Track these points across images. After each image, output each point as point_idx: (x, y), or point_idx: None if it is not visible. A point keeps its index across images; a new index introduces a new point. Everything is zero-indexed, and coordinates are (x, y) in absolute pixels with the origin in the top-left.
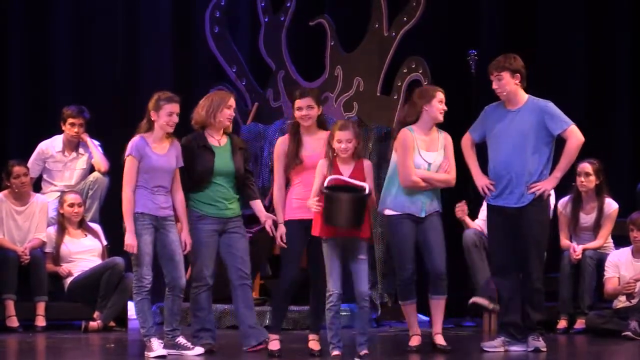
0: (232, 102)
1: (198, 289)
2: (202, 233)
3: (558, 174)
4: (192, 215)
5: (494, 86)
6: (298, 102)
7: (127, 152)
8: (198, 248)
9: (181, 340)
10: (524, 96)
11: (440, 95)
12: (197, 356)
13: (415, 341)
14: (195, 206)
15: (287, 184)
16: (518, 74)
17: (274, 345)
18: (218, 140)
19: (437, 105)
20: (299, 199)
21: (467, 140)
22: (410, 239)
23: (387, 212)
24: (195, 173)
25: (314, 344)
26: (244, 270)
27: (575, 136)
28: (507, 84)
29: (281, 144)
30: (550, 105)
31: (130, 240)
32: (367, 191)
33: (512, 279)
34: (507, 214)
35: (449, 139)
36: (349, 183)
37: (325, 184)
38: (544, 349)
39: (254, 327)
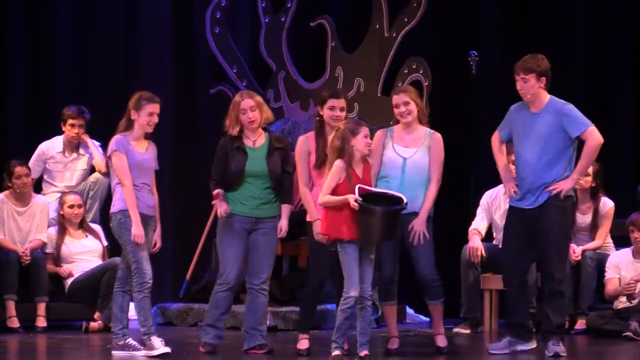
0: (244, 105)
1: (219, 286)
2: (228, 232)
3: (576, 175)
4: None
5: (518, 87)
6: (395, 99)
7: (112, 148)
8: (225, 248)
9: (130, 341)
10: (545, 98)
11: (395, 99)
12: (155, 357)
13: (393, 344)
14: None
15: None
16: (544, 77)
17: (303, 344)
18: (254, 141)
19: (394, 110)
20: None
21: (495, 139)
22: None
23: None
24: (228, 174)
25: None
26: (259, 275)
27: (593, 137)
28: (532, 86)
29: (304, 142)
30: (569, 107)
31: (137, 231)
32: (404, 203)
33: (519, 280)
34: (525, 216)
35: (437, 140)
36: (376, 192)
37: (357, 194)
38: (564, 354)
39: (249, 332)
